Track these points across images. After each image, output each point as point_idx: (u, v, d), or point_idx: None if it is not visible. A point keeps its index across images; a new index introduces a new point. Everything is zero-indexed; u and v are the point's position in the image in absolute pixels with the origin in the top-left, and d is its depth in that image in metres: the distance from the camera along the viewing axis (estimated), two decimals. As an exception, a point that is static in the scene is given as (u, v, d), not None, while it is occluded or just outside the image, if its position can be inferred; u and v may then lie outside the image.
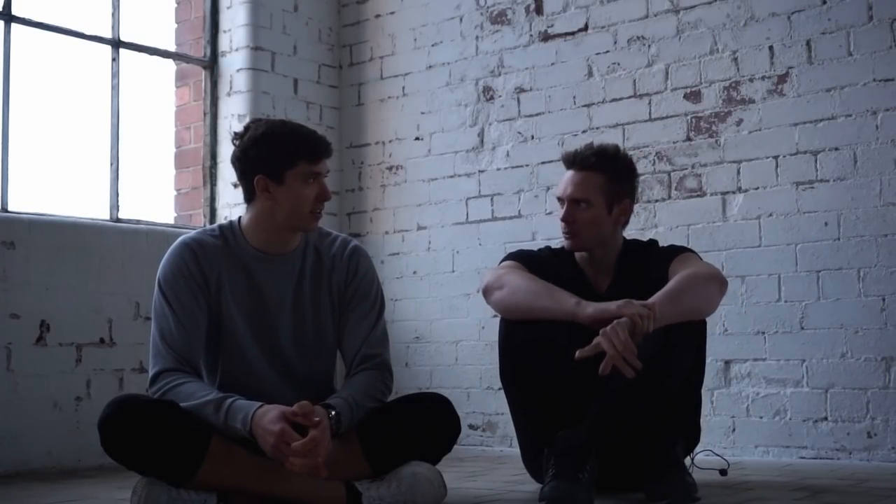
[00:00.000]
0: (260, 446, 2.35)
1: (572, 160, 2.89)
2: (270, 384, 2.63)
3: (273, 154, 2.56)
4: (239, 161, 2.62)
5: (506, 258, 2.95)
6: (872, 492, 2.88)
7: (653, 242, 3.03)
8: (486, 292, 2.81)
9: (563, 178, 2.90)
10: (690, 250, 2.93)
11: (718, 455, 3.24)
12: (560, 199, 2.90)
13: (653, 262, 2.86)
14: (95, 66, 4.46)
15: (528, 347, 2.68)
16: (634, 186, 2.98)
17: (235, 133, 2.66)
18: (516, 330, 2.73)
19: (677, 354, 2.65)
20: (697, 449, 3.03)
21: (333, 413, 2.42)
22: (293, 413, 2.34)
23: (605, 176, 2.85)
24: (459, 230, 4.72)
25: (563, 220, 2.86)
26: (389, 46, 5.02)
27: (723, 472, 3.06)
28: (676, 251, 2.89)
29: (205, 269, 2.59)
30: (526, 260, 2.91)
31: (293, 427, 2.33)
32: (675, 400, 2.72)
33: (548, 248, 3.08)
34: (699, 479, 2.75)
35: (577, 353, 2.47)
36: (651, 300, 2.56)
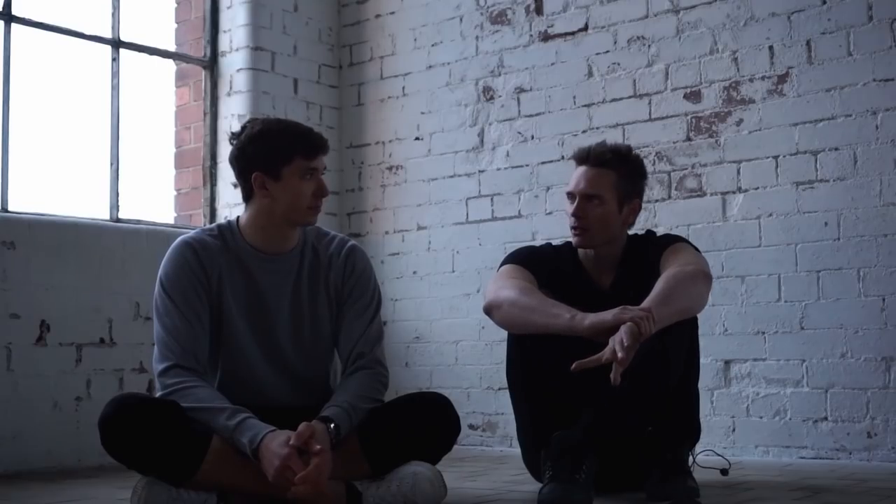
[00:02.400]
0: (263, 469, 2.34)
1: (586, 156, 2.88)
2: (269, 383, 2.64)
3: (269, 151, 2.56)
4: (236, 159, 2.63)
5: (505, 260, 2.94)
6: (872, 492, 2.88)
7: (650, 234, 3.02)
8: (488, 312, 2.81)
9: (575, 174, 2.89)
10: (682, 240, 2.93)
11: (720, 455, 3.23)
12: (570, 195, 2.88)
13: (650, 255, 2.85)
14: (95, 66, 4.47)
15: (537, 345, 2.68)
16: (643, 187, 2.98)
17: (232, 133, 2.67)
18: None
19: (671, 353, 2.65)
20: (698, 449, 3.02)
21: (332, 426, 2.42)
22: (294, 443, 2.32)
23: (618, 174, 2.85)
24: (459, 230, 4.72)
25: (573, 214, 2.85)
26: (389, 46, 5.02)
27: (724, 471, 3.06)
28: (668, 242, 2.90)
29: (206, 267, 2.60)
30: (526, 260, 2.89)
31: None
32: (673, 398, 2.72)
33: (549, 244, 3.07)
34: (700, 479, 2.75)
35: (575, 365, 2.45)
36: (645, 304, 2.56)
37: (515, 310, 2.70)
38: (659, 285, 2.64)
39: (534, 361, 2.72)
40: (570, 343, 2.60)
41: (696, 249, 2.90)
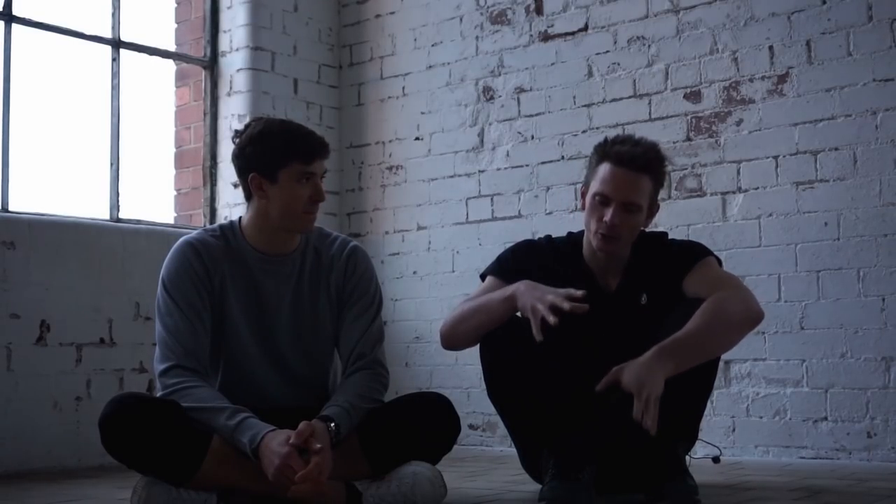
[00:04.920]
0: (263, 469, 2.34)
1: (627, 160, 2.65)
2: (270, 383, 2.64)
3: (267, 152, 2.56)
4: (236, 159, 2.63)
5: (488, 269, 2.85)
6: (872, 492, 2.88)
7: (662, 235, 2.89)
8: (447, 340, 2.78)
9: (612, 176, 2.65)
10: (707, 252, 2.77)
11: (712, 444, 3.22)
12: (606, 198, 2.65)
13: (667, 263, 2.73)
14: (95, 66, 4.47)
15: (510, 364, 2.64)
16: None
17: (236, 131, 2.67)
18: (496, 350, 2.68)
19: (686, 373, 2.55)
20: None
21: (333, 425, 2.42)
22: (294, 442, 2.32)
23: (653, 180, 2.71)
24: (459, 230, 4.72)
25: (610, 222, 2.63)
26: (389, 46, 5.02)
27: (716, 459, 3.06)
28: (693, 255, 2.74)
29: (209, 268, 2.60)
30: (506, 270, 2.78)
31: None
32: (681, 410, 2.66)
33: (548, 237, 2.94)
34: (699, 479, 2.75)
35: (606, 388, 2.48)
36: (671, 345, 2.48)
37: (463, 324, 2.71)
38: (699, 325, 2.51)
39: (512, 379, 2.66)
40: (545, 348, 2.57)
41: (719, 261, 2.79)
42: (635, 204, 2.67)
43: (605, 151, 2.71)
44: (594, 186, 2.70)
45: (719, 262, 2.81)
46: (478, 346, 2.76)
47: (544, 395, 2.62)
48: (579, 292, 2.51)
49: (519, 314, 2.64)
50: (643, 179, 2.67)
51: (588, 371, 2.56)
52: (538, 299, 2.52)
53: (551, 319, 2.47)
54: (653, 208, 2.76)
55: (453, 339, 2.79)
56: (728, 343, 2.64)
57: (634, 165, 2.66)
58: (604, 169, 2.69)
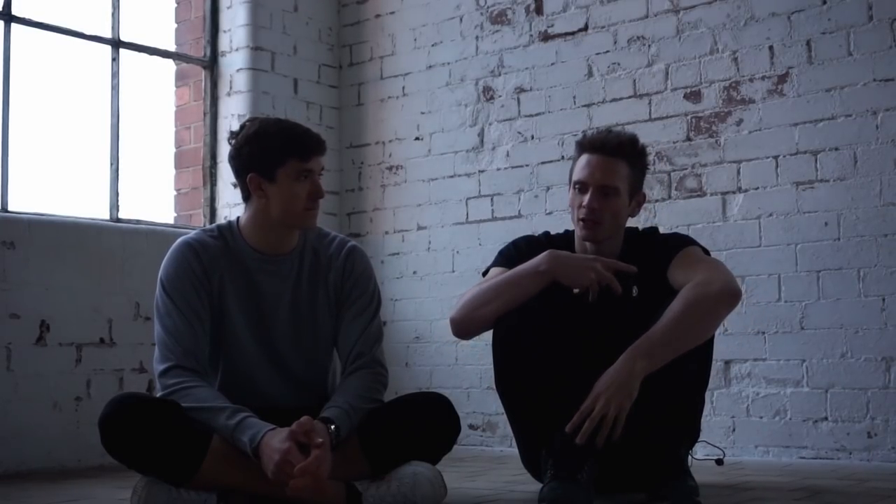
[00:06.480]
0: (263, 467, 2.33)
1: (600, 145, 2.75)
2: (269, 384, 2.64)
3: (264, 152, 2.56)
4: (233, 160, 2.63)
5: (493, 262, 2.87)
6: (872, 492, 2.88)
7: (653, 231, 2.93)
8: (461, 325, 2.76)
9: (586, 163, 2.74)
10: (691, 242, 2.81)
11: (714, 445, 3.22)
12: (583, 184, 2.73)
13: (653, 255, 2.76)
14: (95, 66, 4.47)
15: (522, 353, 2.64)
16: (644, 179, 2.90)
17: (231, 132, 2.67)
18: (509, 338, 2.68)
19: (679, 367, 2.57)
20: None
21: (333, 427, 2.42)
22: (295, 433, 2.31)
23: (630, 165, 2.76)
24: (459, 230, 4.72)
25: (588, 206, 2.70)
26: (389, 46, 5.02)
27: (719, 461, 3.06)
28: (677, 245, 2.79)
29: (207, 268, 2.59)
30: (513, 262, 2.80)
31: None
32: (677, 406, 2.68)
33: (546, 233, 2.97)
34: (699, 479, 2.75)
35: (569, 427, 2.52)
36: (639, 346, 2.51)
37: (484, 307, 2.69)
38: (674, 313, 2.54)
39: (522, 368, 2.66)
40: (555, 343, 2.59)
41: (706, 251, 2.81)
42: (611, 187, 2.73)
43: (581, 144, 2.82)
44: (573, 177, 2.80)
45: (706, 251, 2.82)
46: (481, 339, 2.79)
47: (552, 388, 2.62)
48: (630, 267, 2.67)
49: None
50: (618, 164, 2.74)
51: (583, 366, 2.56)
52: (592, 269, 2.63)
53: (634, 291, 2.66)
54: (636, 196, 2.82)
55: (469, 323, 2.76)
56: (707, 327, 2.63)
57: (606, 150, 2.75)
58: (581, 159, 2.79)
